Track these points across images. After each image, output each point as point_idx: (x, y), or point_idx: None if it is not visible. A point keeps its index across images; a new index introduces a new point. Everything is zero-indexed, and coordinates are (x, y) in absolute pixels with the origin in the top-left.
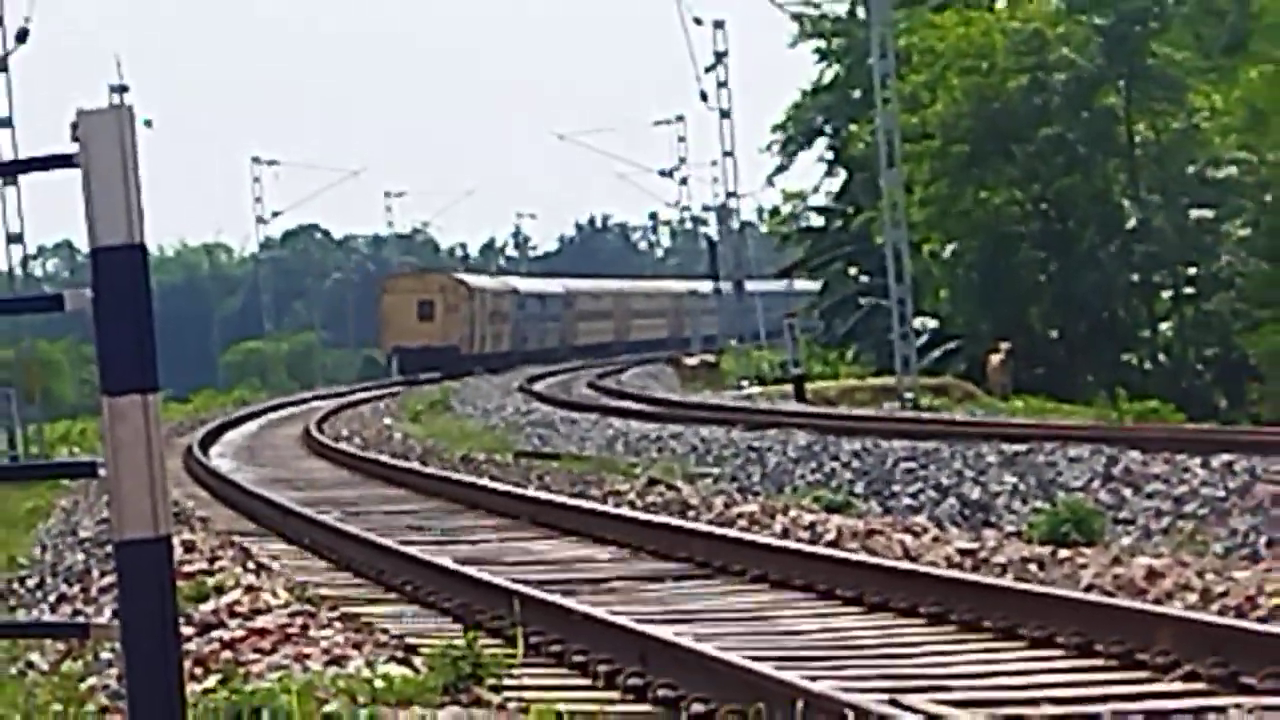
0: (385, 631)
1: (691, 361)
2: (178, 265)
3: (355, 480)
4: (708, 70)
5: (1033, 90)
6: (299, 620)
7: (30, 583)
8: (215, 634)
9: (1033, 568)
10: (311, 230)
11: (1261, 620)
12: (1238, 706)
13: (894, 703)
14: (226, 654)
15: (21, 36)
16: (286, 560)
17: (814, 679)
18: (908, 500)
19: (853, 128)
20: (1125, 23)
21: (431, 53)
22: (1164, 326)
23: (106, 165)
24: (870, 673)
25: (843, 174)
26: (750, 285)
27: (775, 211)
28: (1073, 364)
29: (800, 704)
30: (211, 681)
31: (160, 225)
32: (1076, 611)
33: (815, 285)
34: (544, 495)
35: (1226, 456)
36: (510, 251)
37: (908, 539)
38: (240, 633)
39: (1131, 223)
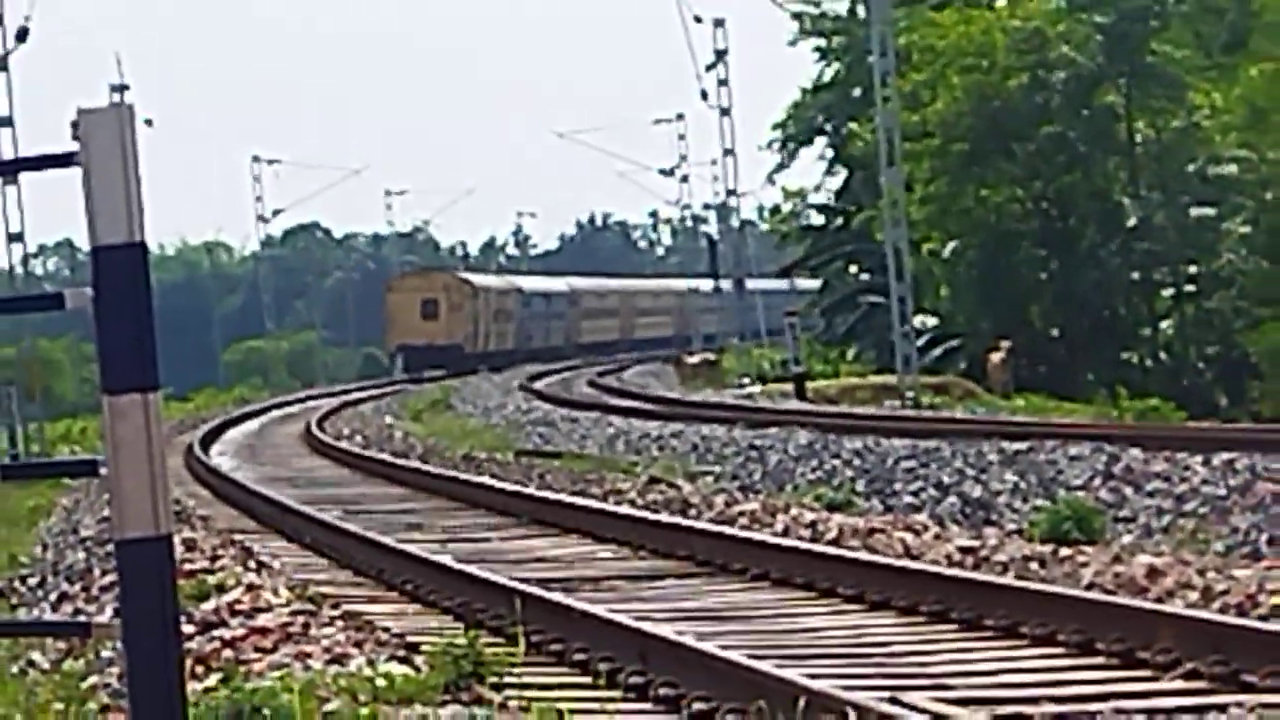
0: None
1: (692, 360)
2: (178, 264)
3: (356, 479)
4: (708, 68)
5: (1033, 88)
6: (300, 619)
7: (31, 581)
8: (216, 632)
9: (1034, 566)
10: (312, 229)
11: (1263, 618)
12: (1239, 705)
13: (895, 701)
14: (228, 652)
15: (22, 35)
16: (287, 559)
17: (815, 677)
18: (909, 498)
19: (853, 126)
20: (1125, 21)
21: (431, 52)
22: (1165, 324)
23: (107, 164)
24: (871, 671)
25: (843, 172)
26: (751, 284)
27: (776, 210)
28: (1073, 362)
29: (801, 702)
30: (213, 680)
31: (161, 224)
32: (1077, 609)
33: (816, 283)
34: (545, 494)
35: (1227, 455)
36: (511, 250)
37: (909, 537)
38: (241, 631)
39: (1132, 221)
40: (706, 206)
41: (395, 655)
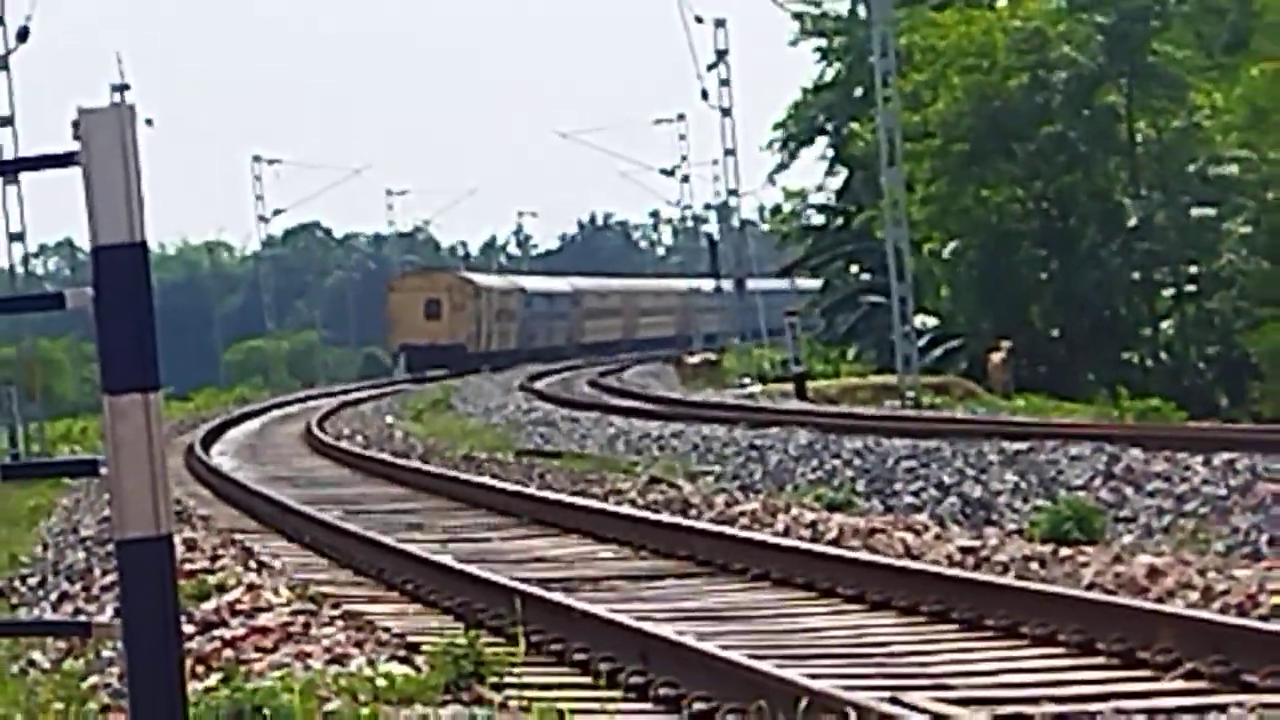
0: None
1: (693, 360)
2: (179, 263)
3: (357, 479)
4: (709, 69)
5: (1034, 88)
6: (300, 619)
7: (32, 581)
8: (217, 632)
9: (1034, 566)
10: (313, 228)
11: (1263, 618)
12: (1239, 705)
13: (895, 701)
14: (228, 652)
15: (23, 35)
16: (288, 559)
17: (815, 677)
18: (909, 498)
19: (854, 126)
20: (1126, 21)
21: (433, 52)
22: (1165, 325)
23: (108, 163)
24: (872, 671)
25: (844, 172)
26: (751, 283)
27: (776, 210)
28: (1074, 362)
29: (802, 702)
30: (213, 680)
31: (162, 223)
32: (1078, 609)
33: (816, 283)
34: (545, 494)
35: (1228, 455)
36: (512, 250)
37: (909, 537)
38: (242, 631)
39: (1132, 221)
40: (707, 206)
41: (396, 655)
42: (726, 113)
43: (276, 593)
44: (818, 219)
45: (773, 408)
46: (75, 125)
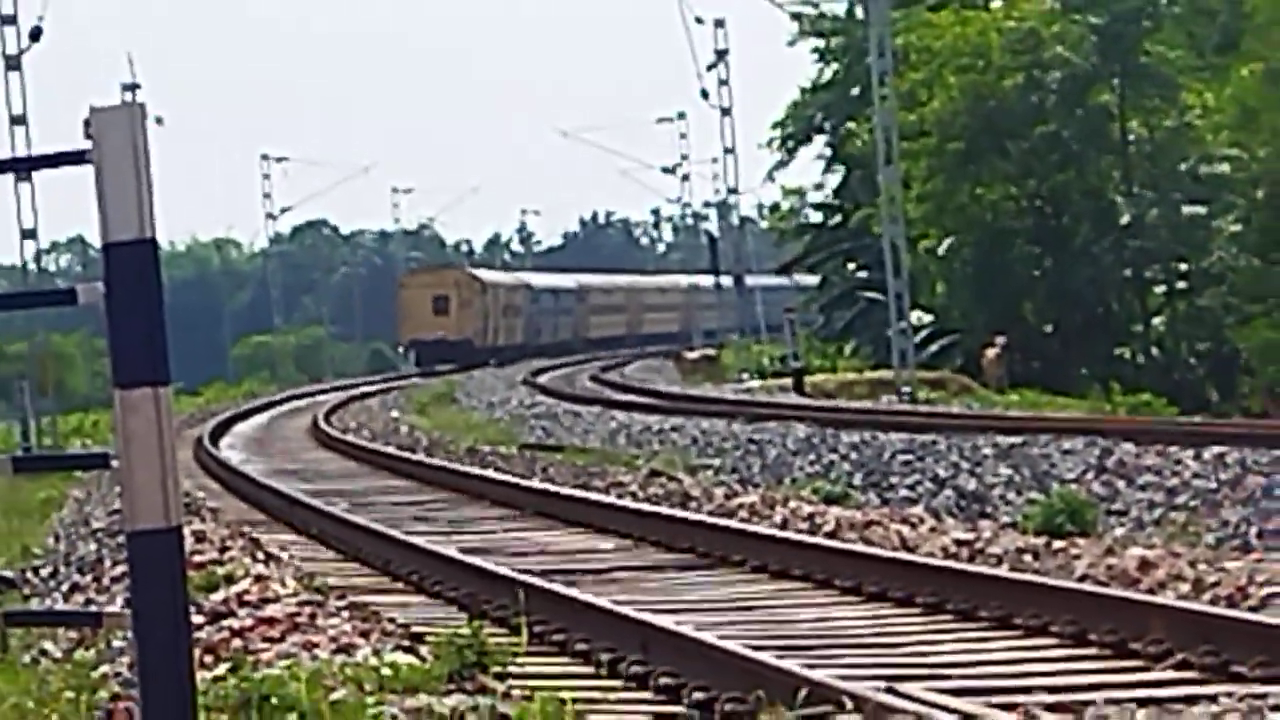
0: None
1: (692, 355)
2: (189, 260)
3: (363, 471)
4: (709, 68)
5: (1028, 88)
6: (307, 609)
7: (44, 572)
8: (225, 623)
9: (1028, 558)
10: (320, 226)
11: (1252, 609)
12: (1229, 694)
13: (891, 691)
14: (236, 642)
15: (35, 35)
16: (295, 550)
17: (813, 667)
18: (905, 492)
19: (851, 125)
20: (1119, 22)
21: (436, 52)
22: (1157, 321)
23: (119, 162)
24: (868, 661)
25: (841, 171)
26: (750, 280)
27: (775, 207)
28: (1067, 357)
29: (800, 692)
30: (222, 669)
31: (172, 221)
32: (1070, 601)
33: (814, 280)
34: (548, 487)
35: (1218, 449)
36: (515, 247)
37: (905, 530)
38: (250, 621)
39: (1125, 219)
40: (707, 204)
41: (400, 645)
42: (726, 112)
43: (284, 584)
44: (816, 216)
45: (771, 402)
46: (87, 124)
